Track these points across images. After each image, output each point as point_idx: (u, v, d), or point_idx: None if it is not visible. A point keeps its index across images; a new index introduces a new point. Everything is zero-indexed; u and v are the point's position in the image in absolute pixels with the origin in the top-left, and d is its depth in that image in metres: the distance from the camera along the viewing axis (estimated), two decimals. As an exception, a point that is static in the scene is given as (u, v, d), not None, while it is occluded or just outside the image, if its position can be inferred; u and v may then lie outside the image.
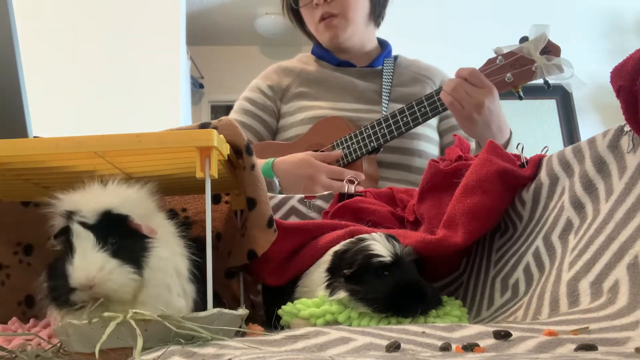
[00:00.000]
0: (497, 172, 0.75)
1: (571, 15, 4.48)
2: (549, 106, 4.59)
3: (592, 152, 0.64)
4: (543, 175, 0.74)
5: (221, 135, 0.63)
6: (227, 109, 5.58)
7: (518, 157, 0.79)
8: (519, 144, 0.82)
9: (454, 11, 4.52)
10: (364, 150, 1.38)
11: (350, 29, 1.55)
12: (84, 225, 0.57)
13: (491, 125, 1.24)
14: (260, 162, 1.36)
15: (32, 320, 0.75)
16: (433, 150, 1.53)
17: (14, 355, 0.53)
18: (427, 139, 1.52)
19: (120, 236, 0.58)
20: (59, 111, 3.11)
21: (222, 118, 0.74)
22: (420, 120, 1.32)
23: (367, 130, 1.38)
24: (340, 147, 1.41)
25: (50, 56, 3.29)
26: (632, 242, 0.51)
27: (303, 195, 1.04)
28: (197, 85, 5.11)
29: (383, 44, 1.68)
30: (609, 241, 0.54)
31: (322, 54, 1.65)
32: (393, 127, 1.35)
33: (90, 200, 0.59)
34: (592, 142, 0.65)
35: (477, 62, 1.30)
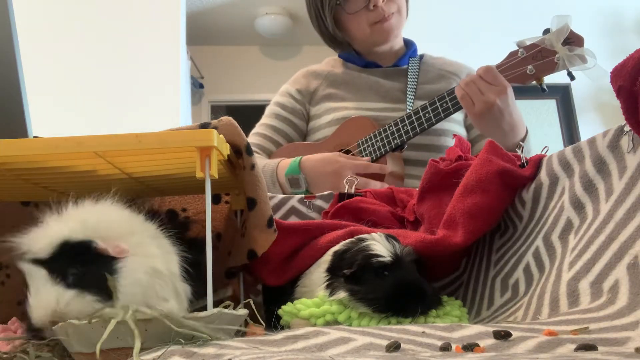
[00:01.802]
0: (497, 172, 0.75)
1: (571, 15, 4.48)
2: (549, 106, 4.58)
3: (592, 152, 0.64)
4: (543, 175, 0.74)
5: (221, 135, 0.63)
6: (227, 109, 5.58)
7: (518, 157, 0.79)
8: (519, 144, 0.82)
9: (453, 10, 4.52)
10: (387, 147, 1.38)
11: (402, 26, 1.56)
12: (35, 261, 0.55)
13: (502, 124, 1.24)
14: (287, 161, 1.39)
15: (32, 320, 0.74)
16: None
17: (13, 356, 0.53)
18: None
19: (85, 263, 0.56)
20: (59, 111, 3.11)
21: (222, 118, 0.73)
22: (442, 115, 1.31)
23: (390, 128, 1.38)
24: (365, 146, 1.42)
25: (50, 56, 3.29)
26: (632, 242, 0.51)
27: (303, 196, 1.04)
28: (197, 85, 5.10)
29: (408, 43, 1.68)
30: (609, 241, 0.54)
31: (348, 56, 1.66)
32: (416, 123, 1.34)
33: (43, 235, 0.56)
34: (592, 142, 0.65)
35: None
